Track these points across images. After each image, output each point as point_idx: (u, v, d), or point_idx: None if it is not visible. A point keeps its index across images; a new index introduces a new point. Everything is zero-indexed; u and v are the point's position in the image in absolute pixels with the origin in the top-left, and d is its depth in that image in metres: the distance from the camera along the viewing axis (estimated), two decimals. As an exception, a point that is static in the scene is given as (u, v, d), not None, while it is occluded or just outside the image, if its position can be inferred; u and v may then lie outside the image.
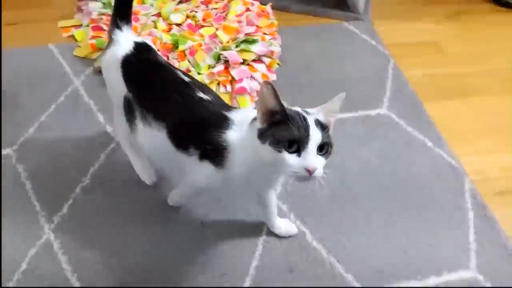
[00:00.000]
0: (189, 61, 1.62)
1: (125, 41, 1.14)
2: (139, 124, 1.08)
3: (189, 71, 1.59)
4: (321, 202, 1.28)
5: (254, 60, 1.65)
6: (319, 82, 1.71)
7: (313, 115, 0.89)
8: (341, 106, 0.91)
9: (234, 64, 1.60)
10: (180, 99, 1.02)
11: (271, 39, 1.73)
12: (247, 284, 1.12)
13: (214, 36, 1.72)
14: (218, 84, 1.58)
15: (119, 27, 1.17)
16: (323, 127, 0.87)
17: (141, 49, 1.13)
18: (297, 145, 0.84)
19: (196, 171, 1.02)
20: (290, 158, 0.85)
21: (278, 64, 1.70)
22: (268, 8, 1.91)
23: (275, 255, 1.18)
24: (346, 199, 1.32)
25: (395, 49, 1.89)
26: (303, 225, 1.25)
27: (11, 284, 1.10)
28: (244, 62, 1.62)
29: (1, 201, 1.26)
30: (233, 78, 1.58)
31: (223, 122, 0.97)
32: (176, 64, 1.60)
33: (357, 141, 1.50)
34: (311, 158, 0.84)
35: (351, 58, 1.83)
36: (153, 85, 1.07)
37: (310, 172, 0.84)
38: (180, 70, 1.12)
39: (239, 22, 1.78)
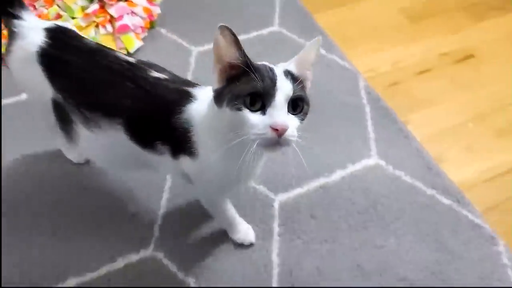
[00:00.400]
0: (58, 6, 1.46)
1: (32, 31, 0.89)
2: (82, 130, 0.88)
3: (60, 16, 1.44)
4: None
5: (132, -5, 1.53)
6: (208, 9, 1.64)
7: (282, 66, 0.73)
8: (317, 54, 0.74)
9: (110, 2, 1.47)
10: (131, 85, 0.81)
11: (146, -30, 1.61)
12: (159, 219, 1.10)
13: (83, -25, 1.56)
14: (97, 25, 1.45)
15: (16, 16, 0.90)
16: (295, 79, 0.70)
17: (58, 35, 0.89)
18: (261, 102, 0.67)
19: (187, 171, 0.84)
20: (252, 117, 0.67)
21: (159, -4, 1.60)
22: None
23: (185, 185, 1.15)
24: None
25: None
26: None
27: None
28: (121, -2, 1.51)
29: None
30: (112, 16, 1.46)
31: (184, 100, 0.80)
32: (44, 11, 1.45)
33: (254, 60, 1.47)
34: (279, 113, 0.66)
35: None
36: (91, 76, 0.84)
37: (278, 133, 0.65)
38: (119, 52, 0.89)
39: (109, -43, 1.63)
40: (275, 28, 1.59)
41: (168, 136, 0.81)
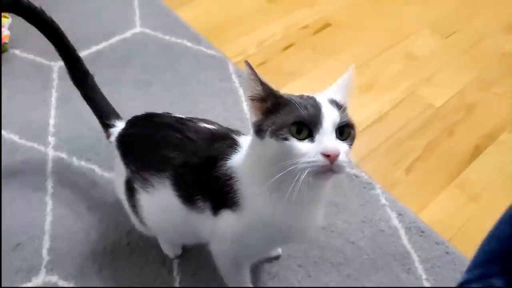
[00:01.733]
0: None
1: (120, 126, 0.94)
2: (142, 195, 0.85)
3: None
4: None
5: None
6: (63, 21, 1.48)
7: (323, 95, 0.70)
8: (352, 79, 0.73)
9: None
10: (178, 135, 0.81)
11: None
12: (46, 243, 1.05)
13: None
14: None
15: (111, 126, 0.95)
16: (339, 106, 0.68)
17: (133, 120, 0.92)
18: (307, 130, 0.65)
19: (217, 233, 0.80)
20: (301, 145, 0.64)
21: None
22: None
23: (67, 200, 1.12)
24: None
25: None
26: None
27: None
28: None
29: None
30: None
31: (230, 148, 0.78)
32: None
33: (120, 65, 1.46)
34: (329, 139, 0.64)
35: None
36: (146, 137, 0.86)
37: (331, 159, 0.62)
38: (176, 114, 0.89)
39: None
40: (138, 29, 1.58)
41: (210, 189, 0.78)
